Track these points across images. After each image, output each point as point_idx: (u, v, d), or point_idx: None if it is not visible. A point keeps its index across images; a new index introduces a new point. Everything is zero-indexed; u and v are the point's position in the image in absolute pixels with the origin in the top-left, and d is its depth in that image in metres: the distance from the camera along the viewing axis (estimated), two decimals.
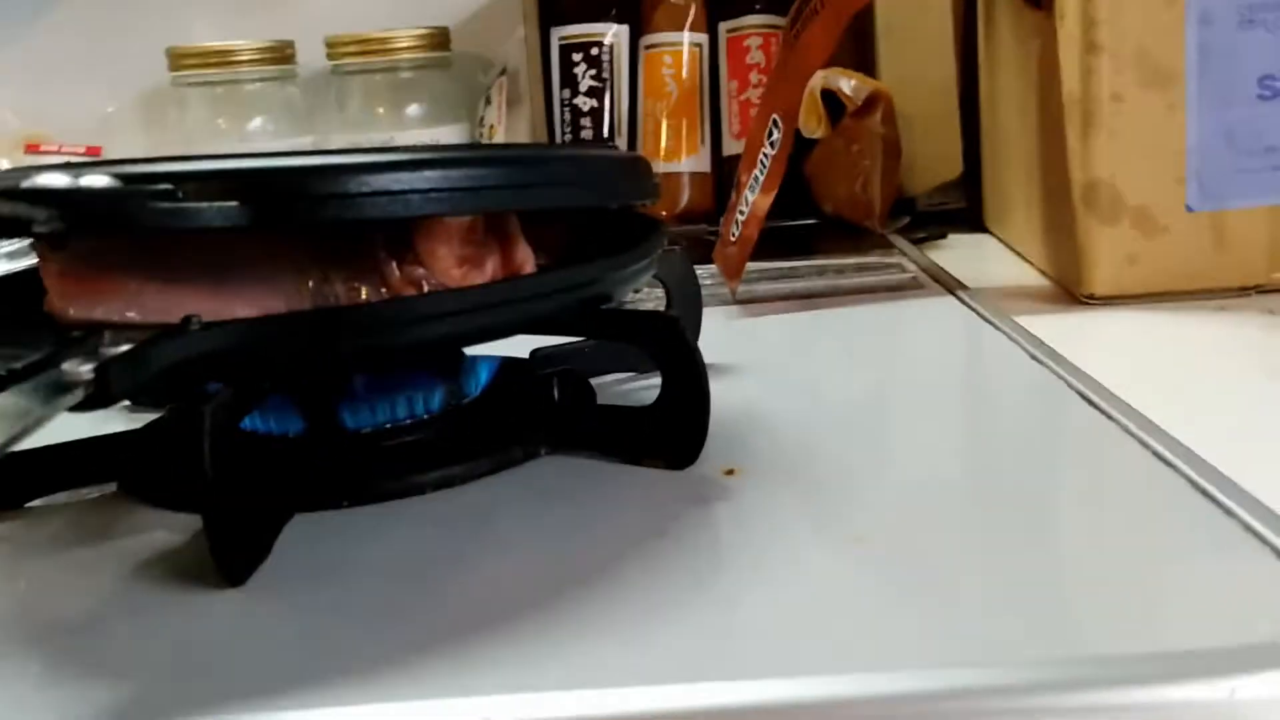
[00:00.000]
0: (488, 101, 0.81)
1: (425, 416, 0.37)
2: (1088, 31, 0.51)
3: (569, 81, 0.78)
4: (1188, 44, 0.50)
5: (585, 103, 0.78)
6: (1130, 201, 0.52)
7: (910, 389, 0.45)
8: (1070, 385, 0.40)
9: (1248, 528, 0.28)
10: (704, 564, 0.29)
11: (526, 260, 0.33)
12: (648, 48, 0.79)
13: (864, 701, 0.22)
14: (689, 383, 0.33)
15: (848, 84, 0.70)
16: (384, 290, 0.30)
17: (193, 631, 0.27)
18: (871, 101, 0.70)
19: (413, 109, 0.80)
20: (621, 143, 0.78)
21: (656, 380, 0.34)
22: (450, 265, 0.30)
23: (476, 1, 0.86)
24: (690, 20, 0.78)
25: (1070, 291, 0.55)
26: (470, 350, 0.39)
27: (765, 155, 0.56)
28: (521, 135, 0.83)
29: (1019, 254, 0.65)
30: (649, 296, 0.52)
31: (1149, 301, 0.52)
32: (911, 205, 0.77)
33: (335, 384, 0.36)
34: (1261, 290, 0.52)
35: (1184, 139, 0.50)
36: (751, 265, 0.56)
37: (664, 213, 0.75)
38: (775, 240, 0.61)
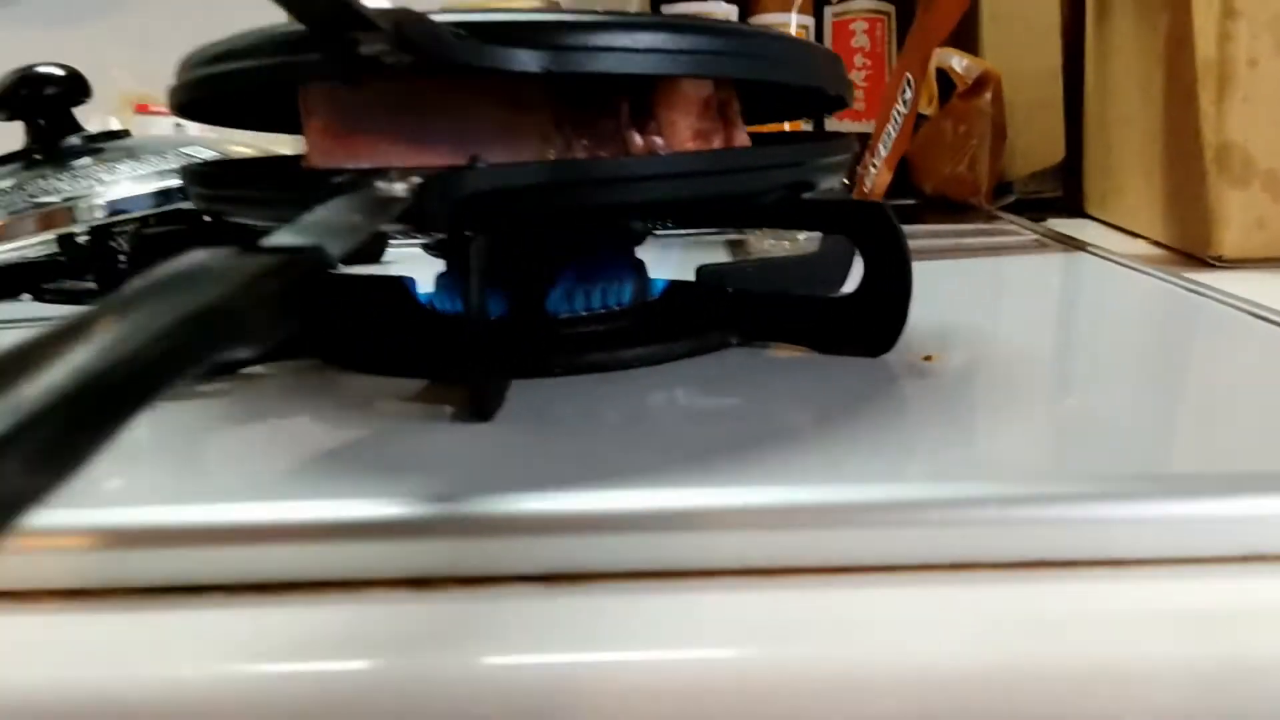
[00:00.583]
0: None
1: (617, 308, 0.39)
2: None
3: None
4: None
5: None
6: (1261, 165, 0.53)
7: (1086, 313, 0.46)
8: (1234, 306, 0.41)
9: None
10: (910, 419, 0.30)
11: (745, 142, 0.35)
12: None
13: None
14: (894, 266, 0.34)
15: (959, 63, 0.72)
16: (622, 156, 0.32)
17: (459, 446, 0.28)
18: (981, 82, 0.72)
19: None
20: None
21: None
22: (686, 136, 0.32)
23: None
24: (798, 3, 0.80)
25: (1195, 256, 0.56)
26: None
27: (898, 113, 0.58)
28: None
29: (1127, 231, 0.67)
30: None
31: (1275, 266, 0.53)
32: (1009, 189, 0.79)
33: (538, 274, 0.38)
34: None
35: None
36: None
37: None
38: None
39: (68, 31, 0.99)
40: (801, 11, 0.80)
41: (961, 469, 0.26)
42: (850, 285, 0.37)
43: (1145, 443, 0.28)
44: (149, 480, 0.27)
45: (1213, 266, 0.54)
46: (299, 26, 0.29)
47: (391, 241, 0.53)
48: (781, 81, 0.33)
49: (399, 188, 0.25)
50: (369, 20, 0.25)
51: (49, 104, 0.56)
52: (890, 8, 0.81)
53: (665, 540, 0.23)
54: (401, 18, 0.26)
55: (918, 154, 0.76)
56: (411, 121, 0.31)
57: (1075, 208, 0.77)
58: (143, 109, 0.91)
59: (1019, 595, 0.22)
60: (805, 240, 0.52)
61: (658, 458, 0.27)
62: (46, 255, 0.56)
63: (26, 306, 0.55)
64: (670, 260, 0.41)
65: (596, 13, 0.29)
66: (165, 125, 0.91)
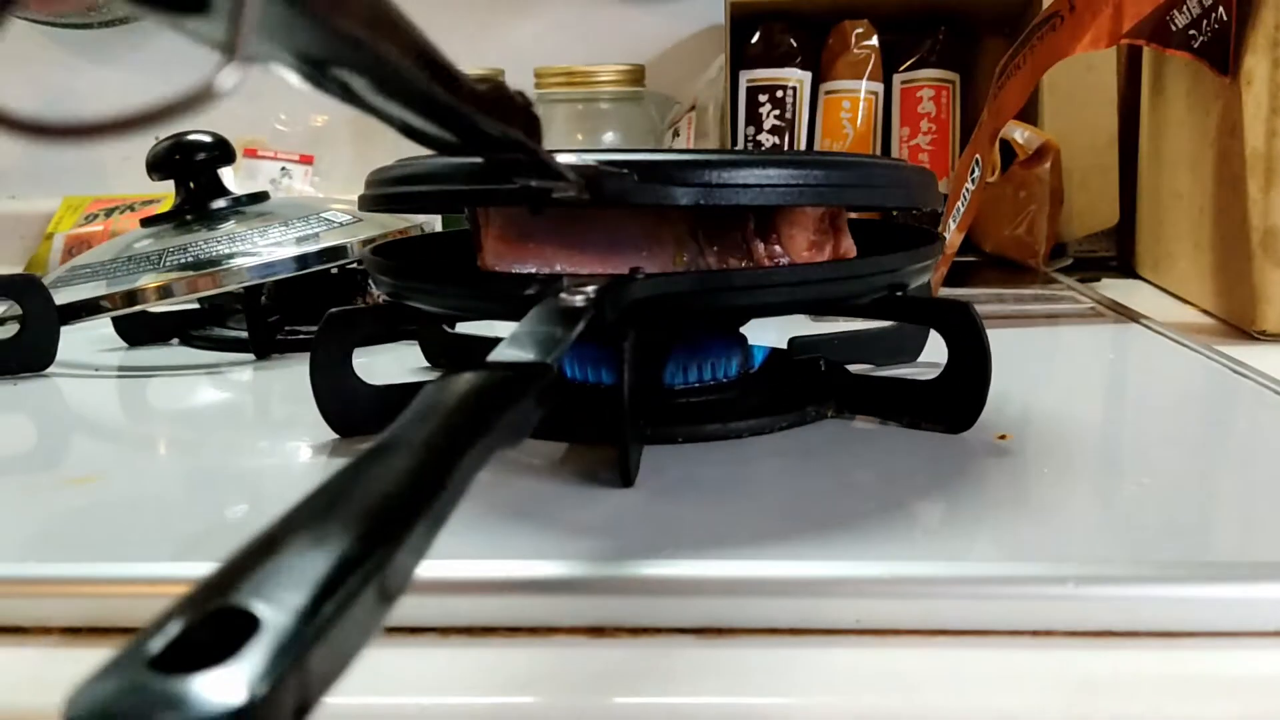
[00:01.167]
0: (676, 134, 0.89)
1: (725, 380, 0.44)
2: (1275, 97, 0.57)
3: (754, 120, 0.86)
4: None
5: (768, 139, 0.86)
6: None
7: (1140, 391, 0.51)
8: (1276, 391, 0.46)
9: None
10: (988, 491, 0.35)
11: (851, 249, 0.40)
12: (828, 93, 0.86)
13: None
14: (976, 356, 0.39)
15: (1021, 134, 0.77)
16: (746, 264, 0.37)
17: (614, 510, 0.34)
18: (1042, 151, 0.77)
19: (608, 136, 0.88)
20: None
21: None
22: (803, 247, 0.37)
23: (669, 44, 0.95)
24: (869, 70, 0.85)
25: (1240, 328, 0.61)
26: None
27: (967, 190, 0.63)
28: None
29: (1176, 296, 0.71)
30: None
31: None
32: (1063, 250, 0.84)
33: (659, 350, 0.43)
34: None
35: None
36: None
37: None
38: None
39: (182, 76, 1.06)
40: (871, 79, 0.85)
41: (1042, 548, 0.31)
42: (924, 357, 0.42)
43: (1200, 526, 0.33)
44: None
45: (1256, 340, 0.59)
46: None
47: None
48: (887, 206, 0.39)
49: (578, 299, 0.31)
50: (562, 174, 0.31)
51: (199, 168, 0.62)
52: (955, 76, 0.86)
53: (795, 603, 0.29)
54: (592, 173, 0.32)
55: (979, 215, 0.81)
56: (575, 234, 0.37)
57: (1128, 268, 0.82)
58: (250, 153, 0.98)
59: (1087, 659, 0.27)
60: None
61: (782, 526, 0.33)
62: (196, 303, 0.63)
63: (176, 351, 0.62)
64: (766, 325, 0.47)
65: (733, 152, 0.35)
66: (272, 169, 0.98)
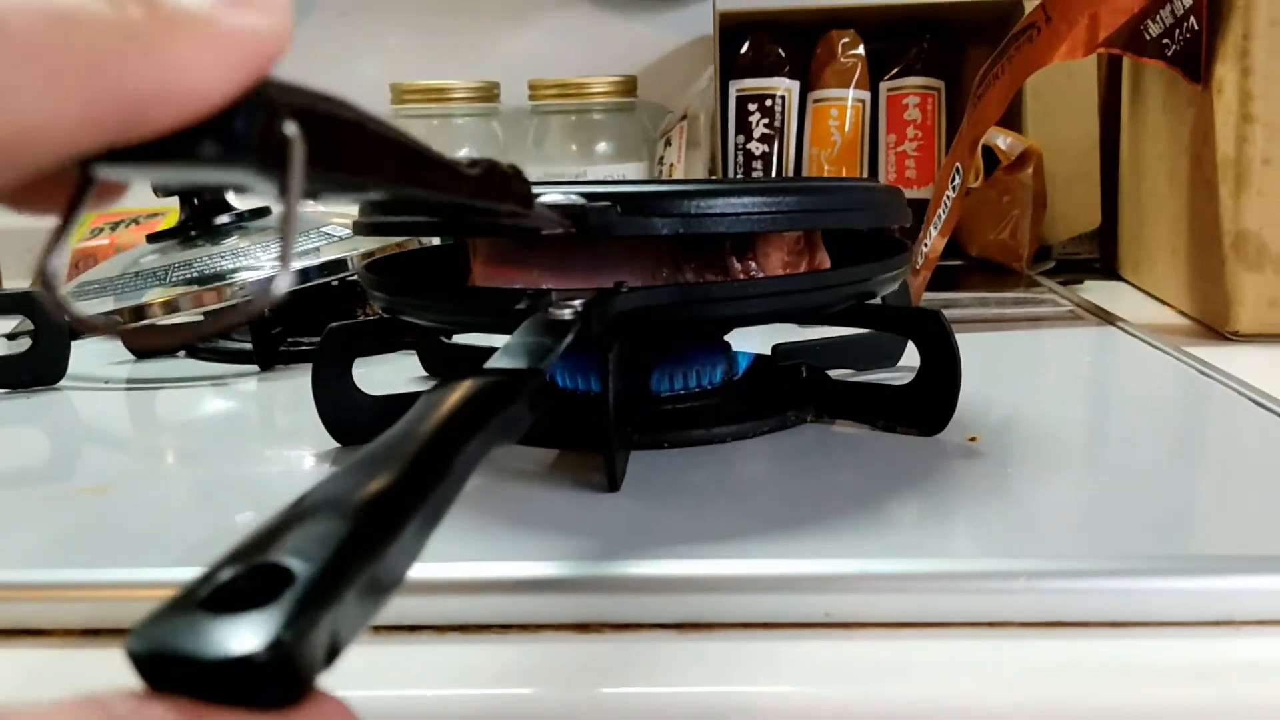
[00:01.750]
0: (668, 143, 0.91)
1: (709, 387, 0.46)
2: (1244, 104, 0.59)
3: (744, 129, 0.88)
4: None
5: (758, 148, 0.88)
6: (1274, 252, 0.60)
7: (1110, 393, 0.53)
8: (1240, 393, 0.48)
9: None
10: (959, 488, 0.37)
11: (825, 262, 0.42)
12: (816, 101, 0.88)
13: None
14: (946, 362, 0.41)
15: (1004, 140, 0.79)
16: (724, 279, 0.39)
17: (601, 513, 0.36)
18: (1024, 157, 0.79)
19: (601, 146, 0.90)
20: None
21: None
22: (778, 265, 0.39)
23: (660, 55, 0.96)
24: (856, 79, 0.87)
25: (1214, 329, 0.63)
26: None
27: (948, 198, 0.65)
28: (698, 174, 0.92)
29: (1155, 298, 0.73)
30: None
31: None
32: (1048, 253, 0.86)
33: (646, 359, 0.45)
34: None
35: None
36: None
37: None
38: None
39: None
40: (858, 87, 0.87)
41: (1002, 544, 0.33)
42: (904, 361, 0.44)
43: (1152, 522, 0.35)
44: None
45: (1230, 340, 0.61)
46: None
47: None
48: (858, 227, 0.41)
49: (566, 313, 0.33)
50: (551, 219, 0.33)
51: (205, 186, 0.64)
52: (940, 83, 0.88)
53: (768, 599, 0.31)
54: (577, 211, 0.34)
55: (964, 220, 0.83)
56: (560, 256, 0.39)
57: (1111, 270, 0.84)
58: None
59: (1042, 649, 0.29)
60: None
61: (759, 526, 0.34)
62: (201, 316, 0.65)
63: (182, 364, 0.64)
64: (752, 333, 0.49)
65: (710, 181, 0.37)
66: None
